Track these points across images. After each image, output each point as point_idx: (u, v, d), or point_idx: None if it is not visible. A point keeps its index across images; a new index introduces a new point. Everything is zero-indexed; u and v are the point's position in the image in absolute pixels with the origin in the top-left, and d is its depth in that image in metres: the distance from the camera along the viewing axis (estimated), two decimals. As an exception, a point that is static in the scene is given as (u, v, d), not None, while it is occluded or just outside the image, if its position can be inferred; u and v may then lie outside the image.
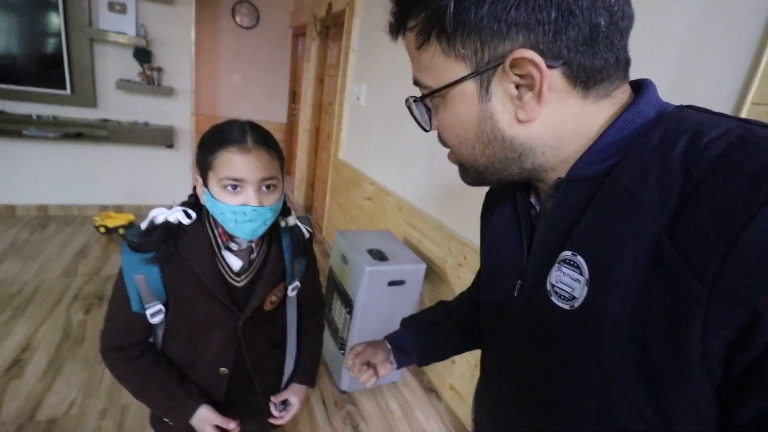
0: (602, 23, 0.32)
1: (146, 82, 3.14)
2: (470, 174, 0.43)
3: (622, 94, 0.37)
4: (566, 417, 0.39)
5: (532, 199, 0.46)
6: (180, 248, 0.72)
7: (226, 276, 0.76)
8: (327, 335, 1.91)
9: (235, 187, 0.68)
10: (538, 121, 0.35)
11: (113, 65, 3.07)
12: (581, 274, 0.35)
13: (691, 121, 0.32)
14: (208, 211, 0.73)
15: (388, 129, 2.30)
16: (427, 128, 0.44)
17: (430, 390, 1.89)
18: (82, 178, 3.23)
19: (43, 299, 2.14)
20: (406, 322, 0.73)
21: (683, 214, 0.29)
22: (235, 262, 0.76)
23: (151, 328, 0.77)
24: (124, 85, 3.07)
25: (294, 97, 4.81)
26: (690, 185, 0.29)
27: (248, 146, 0.67)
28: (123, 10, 2.97)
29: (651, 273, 0.30)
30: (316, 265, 0.95)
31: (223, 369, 0.81)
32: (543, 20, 0.31)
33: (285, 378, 0.93)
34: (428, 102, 0.41)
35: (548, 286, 0.39)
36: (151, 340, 0.81)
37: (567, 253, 0.37)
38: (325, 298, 1.60)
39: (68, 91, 2.95)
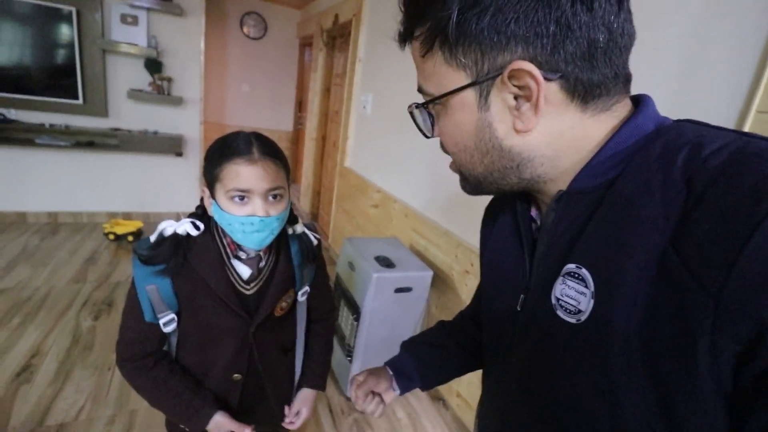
0: (601, 39, 0.33)
1: (156, 91, 3.19)
2: (469, 183, 0.44)
3: (622, 108, 0.37)
4: (577, 431, 0.38)
5: (533, 213, 0.46)
6: (189, 259, 0.73)
7: (236, 284, 0.77)
8: (334, 342, 1.90)
9: (242, 198, 0.69)
10: (536, 131, 0.36)
11: (124, 75, 3.14)
12: (587, 287, 0.35)
13: (691, 133, 0.33)
14: (216, 222, 0.75)
15: (394, 137, 2.32)
16: (429, 135, 0.44)
17: (437, 398, 1.87)
18: (92, 185, 3.28)
19: (53, 305, 2.16)
20: (406, 346, 0.72)
21: (687, 225, 0.29)
22: (245, 271, 0.77)
23: (165, 337, 0.78)
24: (134, 94, 3.13)
25: (300, 105, 4.86)
26: (693, 197, 0.29)
27: (254, 157, 0.68)
28: (135, 21, 3.04)
29: (657, 285, 0.30)
30: (326, 270, 0.96)
31: (236, 375, 0.82)
32: (541, 34, 0.32)
33: (296, 382, 0.94)
34: (431, 109, 0.42)
35: (553, 300, 0.38)
36: (165, 348, 0.82)
37: (571, 266, 0.36)
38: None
39: (80, 100, 3.02)
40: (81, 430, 1.46)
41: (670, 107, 0.95)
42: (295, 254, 0.85)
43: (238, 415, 0.81)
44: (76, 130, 3.04)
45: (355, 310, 1.69)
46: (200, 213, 0.78)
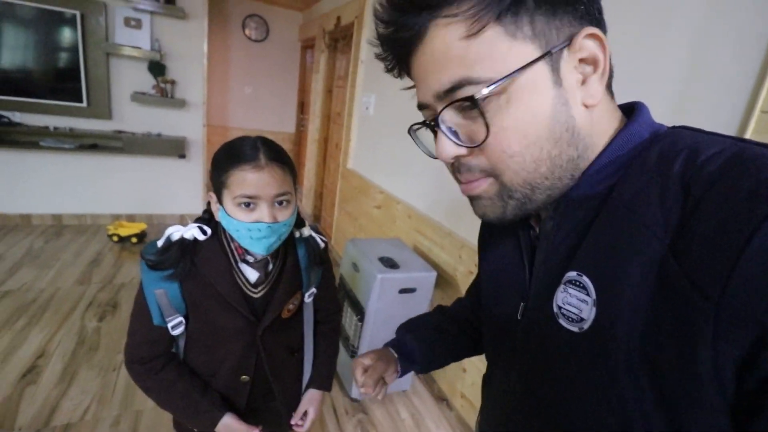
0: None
1: (160, 94, 3.21)
2: (515, 198, 0.37)
3: (615, 103, 0.39)
4: None
5: (531, 221, 0.45)
6: (197, 263, 0.73)
7: (244, 288, 0.77)
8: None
9: (249, 204, 0.69)
10: (599, 107, 0.36)
11: (128, 78, 3.16)
12: (588, 294, 0.34)
13: (687, 140, 0.33)
14: (223, 226, 0.75)
15: (397, 138, 2.33)
16: (460, 153, 0.37)
17: (441, 399, 1.87)
18: (96, 187, 3.30)
19: (58, 307, 2.17)
20: (408, 328, 0.70)
21: (686, 231, 0.29)
22: (252, 274, 0.78)
23: (173, 339, 0.79)
24: (138, 97, 3.15)
25: (302, 107, 4.88)
26: (690, 202, 0.29)
27: (261, 164, 0.68)
28: (138, 25, 3.06)
29: (658, 291, 0.30)
30: (333, 271, 0.96)
31: (244, 377, 0.82)
32: (589, 11, 0.34)
33: (305, 383, 0.94)
34: (461, 115, 0.35)
35: (555, 308, 0.38)
36: (173, 350, 0.82)
37: (572, 274, 0.36)
38: (336, 305, 1.61)
39: (84, 103, 3.03)
40: (86, 431, 1.46)
41: (675, 108, 0.95)
42: (302, 257, 0.85)
43: (245, 416, 0.82)
44: (80, 133, 3.06)
45: (360, 311, 1.69)
46: (207, 217, 0.78)
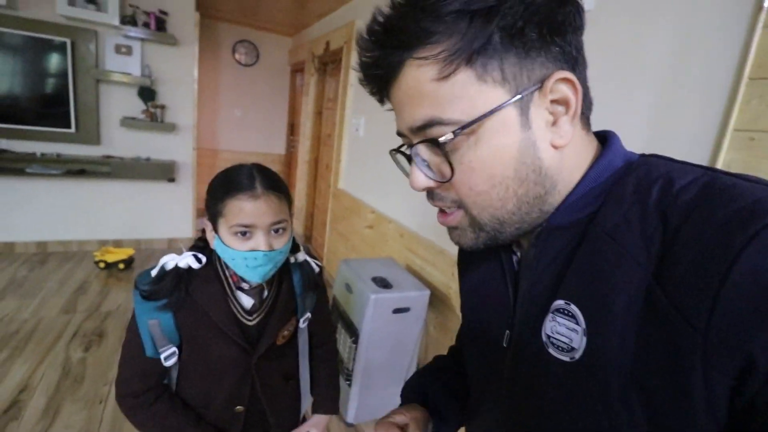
0: (585, 61, 0.37)
1: (150, 119, 3.22)
2: (485, 231, 0.39)
3: (593, 136, 0.40)
4: None
5: (513, 247, 0.45)
6: (191, 291, 0.73)
7: (238, 315, 0.76)
8: (332, 366, 1.88)
9: (245, 233, 0.69)
10: (569, 146, 0.36)
11: (118, 103, 3.16)
12: (578, 323, 0.34)
13: (661, 169, 0.34)
14: (218, 254, 0.75)
15: (387, 158, 2.35)
16: (430, 185, 0.38)
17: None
18: (83, 213, 3.25)
19: (42, 337, 2.10)
20: (436, 384, 0.60)
21: (668, 259, 0.29)
22: (247, 301, 0.77)
23: (166, 371, 0.77)
24: (127, 122, 3.15)
25: (292, 129, 4.92)
26: (670, 232, 0.30)
27: (257, 193, 0.68)
28: (129, 51, 3.10)
29: (646, 319, 0.30)
30: (326, 294, 0.96)
31: (238, 407, 0.81)
32: (563, 52, 0.34)
33: (303, 409, 0.92)
34: (431, 151, 0.37)
35: (544, 338, 0.37)
36: (165, 382, 0.81)
37: (560, 302, 0.36)
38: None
39: (73, 129, 3.02)
40: (71, 469, 1.40)
41: (653, 129, 1.00)
42: (297, 283, 0.85)
43: (240, 446, 0.80)
44: (67, 159, 3.03)
45: (354, 333, 1.68)
46: (202, 245, 0.78)
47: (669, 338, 0.28)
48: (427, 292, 1.73)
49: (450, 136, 0.34)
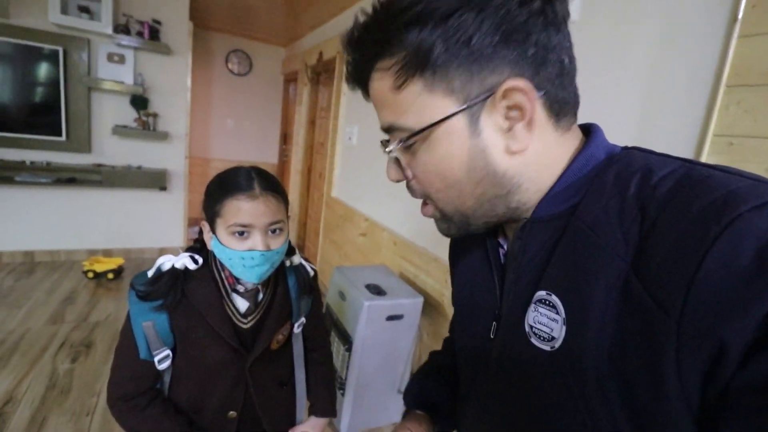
0: (566, 62, 0.36)
1: (142, 127, 3.21)
2: (454, 222, 0.42)
3: (577, 131, 0.40)
4: None
5: (500, 239, 0.46)
6: (187, 293, 0.73)
7: (233, 318, 0.76)
8: (325, 375, 1.86)
9: (242, 233, 0.70)
10: (528, 152, 0.36)
11: (110, 112, 3.15)
12: (558, 313, 0.35)
13: (640, 161, 0.35)
14: (214, 255, 0.75)
15: (380, 166, 2.38)
16: (401, 178, 0.42)
17: (433, 429, 1.83)
18: (72, 222, 3.20)
19: (28, 348, 2.05)
20: (436, 393, 0.62)
21: (645, 250, 0.30)
22: (242, 304, 0.78)
23: (159, 374, 0.77)
24: (119, 130, 3.13)
25: (285, 138, 4.93)
26: (647, 222, 0.30)
27: (255, 193, 0.69)
28: (122, 60, 3.10)
29: (622, 309, 0.31)
30: (321, 299, 0.97)
31: (231, 413, 0.80)
32: (525, 54, 0.34)
33: (298, 417, 0.92)
34: (400, 149, 0.40)
35: (527, 328, 0.38)
36: (158, 386, 0.80)
37: (542, 293, 0.37)
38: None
39: (63, 137, 3.00)
40: (56, 483, 1.36)
41: (635, 133, 1.03)
42: (292, 286, 0.85)
43: (233, 452, 0.79)
44: (57, 167, 3.00)
45: (347, 341, 1.67)
46: (199, 247, 0.78)
47: (645, 326, 0.29)
48: (421, 299, 1.73)
49: (402, 141, 0.38)
